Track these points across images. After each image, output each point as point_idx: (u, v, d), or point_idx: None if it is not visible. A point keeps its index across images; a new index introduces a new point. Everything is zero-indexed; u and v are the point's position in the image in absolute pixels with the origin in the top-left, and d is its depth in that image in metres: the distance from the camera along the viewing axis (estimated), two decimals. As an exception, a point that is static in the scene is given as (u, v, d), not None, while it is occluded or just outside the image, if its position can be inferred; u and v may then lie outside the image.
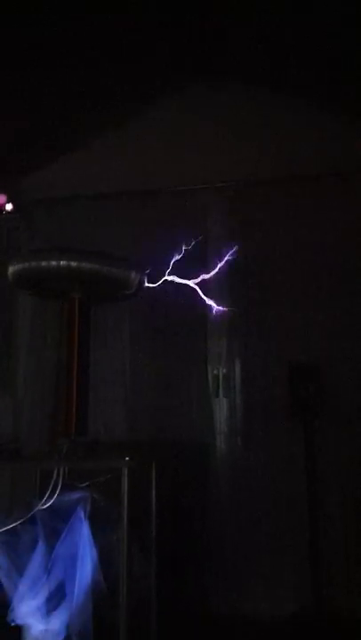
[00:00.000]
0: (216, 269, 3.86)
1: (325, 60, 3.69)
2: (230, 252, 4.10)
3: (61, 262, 2.47)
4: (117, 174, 4.21)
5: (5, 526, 2.33)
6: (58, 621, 2.31)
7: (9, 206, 4.49)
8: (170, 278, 2.80)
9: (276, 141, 4.08)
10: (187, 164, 4.14)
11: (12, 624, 2.35)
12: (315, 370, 3.70)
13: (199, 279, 2.96)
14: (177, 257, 2.89)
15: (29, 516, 2.36)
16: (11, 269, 2.60)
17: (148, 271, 2.75)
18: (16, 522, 2.35)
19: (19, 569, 2.35)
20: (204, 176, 4.22)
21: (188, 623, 3.24)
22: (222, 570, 3.80)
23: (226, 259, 4.16)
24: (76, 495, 2.42)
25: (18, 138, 4.31)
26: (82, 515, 2.38)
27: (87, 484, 2.45)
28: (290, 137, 4.07)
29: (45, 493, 2.37)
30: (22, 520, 2.35)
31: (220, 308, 3.12)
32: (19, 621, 2.35)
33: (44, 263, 2.51)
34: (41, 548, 2.36)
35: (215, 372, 4.14)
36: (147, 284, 2.75)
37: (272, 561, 3.76)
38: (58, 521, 2.39)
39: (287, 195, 4.13)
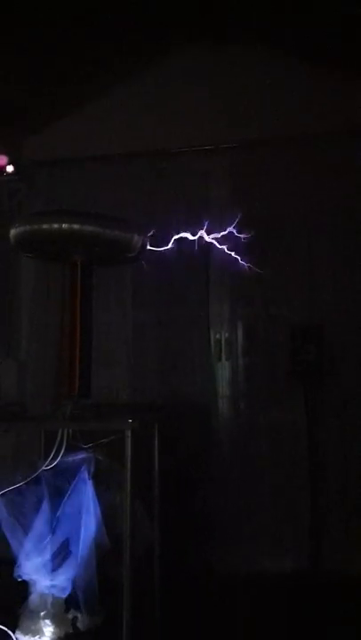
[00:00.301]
0: (218, 233, 3.85)
1: (326, 16, 3.61)
2: (233, 216, 4.09)
3: (63, 225, 2.45)
4: (119, 136, 4.15)
5: (11, 486, 2.37)
6: (63, 577, 2.37)
7: (10, 168, 4.45)
8: (173, 239, 2.78)
9: (276, 102, 4.02)
10: (189, 126, 4.07)
11: (19, 579, 2.41)
12: (317, 333, 3.71)
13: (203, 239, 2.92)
14: (179, 219, 2.87)
15: (34, 476, 2.40)
16: (12, 232, 2.58)
17: (150, 234, 2.73)
18: (21, 482, 2.38)
19: (24, 527, 2.40)
20: (205, 137, 4.17)
21: (190, 581, 3.32)
22: (224, 529, 3.87)
23: (228, 222, 4.15)
24: (80, 456, 2.45)
25: (18, 99, 4.25)
26: (86, 475, 2.42)
27: (91, 445, 2.48)
28: (290, 97, 4.01)
29: (50, 454, 2.40)
30: (27, 480, 2.39)
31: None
32: (25, 577, 2.42)
33: (45, 226, 2.49)
34: (46, 507, 2.41)
35: (217, 336, 4.15)
36: (149, 247, 2.73)
37: (273, 521, 3.83)
38: (62, 481, 2.43)
39: (290, 155, 4.07)
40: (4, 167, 4.45)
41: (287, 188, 4.07)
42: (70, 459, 2.44)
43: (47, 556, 2.38)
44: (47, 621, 2.37)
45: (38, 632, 2.36)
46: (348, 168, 3.96)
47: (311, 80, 3.98)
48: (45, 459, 2.41)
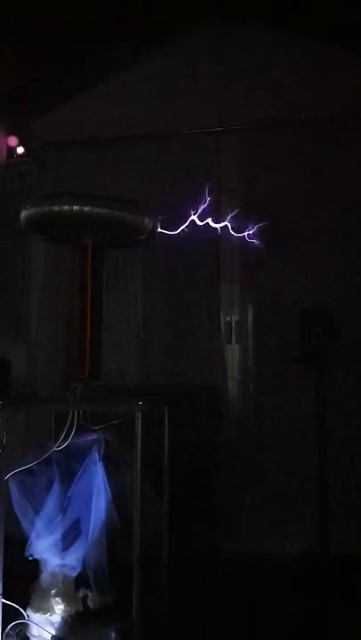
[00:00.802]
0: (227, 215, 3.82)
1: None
2: (242, 199, 4.07)
3: (74, 207, 2.44)
4: (128, 117, 4.13)
5: (22, 467, 2.39)
6: (73, 557, 2.39)
7: (20, 150, 4.43)
8: (183, 222, 2.77)
9: (288, 84, 3.99)
10: (198, 107, 4.05)
11: (30, 558, 2.44)
12: (327, 316, 3.70)
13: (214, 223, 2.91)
14: (190, 202, 2.85)
15: (45, 457, 2.42)
16: (23, 214, 2.57)
17: (161, 217, 2.72)
18: (32, 463, 2.40)
19: (35, 507, 2.42)
20: (214, 119, 4.13)
21: (198, 562, 3.35)
22: (232, 511, 3.90)
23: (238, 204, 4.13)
24: (90, 437, 2.46)
25: (29, 80, 4.23)
26: (96, 456, 2.43)
27: (101, 426, 2.50)
28: (303, 79, 3.98)
29: (60, 435, 2.42)
30: (38, 461, 2.41)
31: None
32: (36, 556, 2.44)
33: (56, 208, 2.48)
34: (56, 487, 2.43)
35: (228, 318, 4.14)
36: (160, 230, 2.72)
37: (281, 503, 3.85)
38: (73, 462, 2.45)
39: (300, 138, 4.05)
40: (15, 149, 4.44)
41: (297, 170, 4.05)
42: (81, 440, 2.45)
43: (58, 535, 2.40)
44: (58, 599, 2.40)
45: (49, 609, 2.39)
46: (357, 152, 3.93)
47: (324, 63, 3.94)
48: (56, 440, 2.43)
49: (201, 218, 2.85)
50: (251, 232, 4.14)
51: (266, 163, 4.10)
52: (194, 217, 2.77)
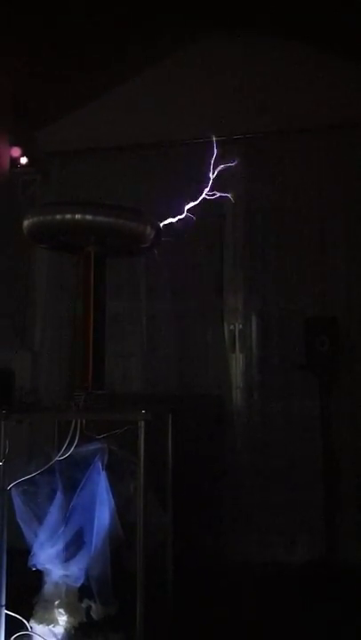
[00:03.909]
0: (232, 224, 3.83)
1: (341, 8, 3.57)
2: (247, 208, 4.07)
3: (77, 216, 2.44)
4: (132, 127, 4.14)
5: (25, 476, 2.38)
6: (76, 567, 2.38)
7: (24, 160, 4.45)
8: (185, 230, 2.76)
9: (289, 93, 3.99)
10: (201, 117, 4.05)
11: (33, 569, 2.43)
12: (331, 324, 3.69)
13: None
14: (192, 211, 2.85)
15: (48, 466, 2.41)
16: (26, 223, 2.57)
17: (164, 225, 2.71)
18: (35, 472, 2.39)
19: (38, 517, 2.41)
20: (218, 128, 4.14)
21: (203, 571, 3.32)
22: (237, 519, 3.88)
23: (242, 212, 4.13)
24: (93, 446, 2.45)
25: (32, 91, 4.25)
26: (99, 466, 2.42)
27: (105, 435, 2.49)
28: (304, 89, 3.98)
29: (63, 445, 2.41)
30: (41, 470, 2.40)
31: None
32: (39, 566, 2.43)
33: (58, 217, 2.48)
34: (60, 497, 2.41)
35: (231, 327, 4.14)
36: (163, 238, 2.72)
37: (287, 511, 3.83)
38: (76, 471, 2.43)
39: (302, 146, 4.06)
40: (18, 159, 4.46)
41: (301, 178, 4.05)
42: (84, 449, 2.44)
43: (61, 545, 2.39)
44: (61, 610, 2.38)
45: (52, 621, 2.37)
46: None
47: (326, 70, 3.95)
48: (59, 449, 2.42)
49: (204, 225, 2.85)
50: (253, 240, 4.15)
51: (268, 171, 4.10)
52: (195, 225, 2.76)
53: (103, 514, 2.38)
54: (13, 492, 2.37)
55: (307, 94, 3.97)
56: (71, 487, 2.42)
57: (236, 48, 4.07)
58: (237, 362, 4.12)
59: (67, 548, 2.39)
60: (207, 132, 4.13)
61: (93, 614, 2.38)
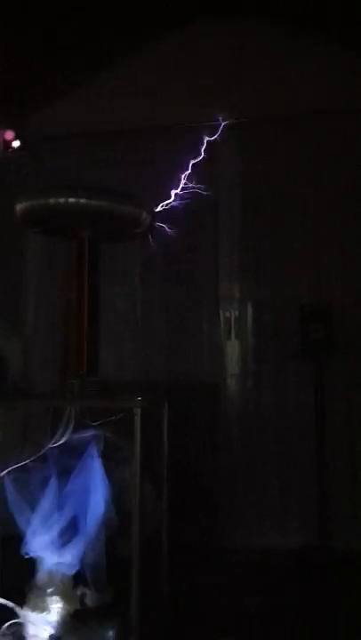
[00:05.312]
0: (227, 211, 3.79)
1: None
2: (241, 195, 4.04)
3: (70, 199, 2.40)
4: (126, 111, 4.10)
5: (18, 463, 2.36)
6: (71, 555, 2.36)
7: (16, 143, 4.39)
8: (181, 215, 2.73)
9: (286, 77, 3.96)
10: (195, 101, 4.01)
11: (27, 556, 2.41)
12: (326, 312, 3.68)
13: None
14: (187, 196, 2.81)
15: (41, 453, 2.38)
16: (19, 207, 2.53)
17: (158, 210, 2.68)
18: (28, 459, 2.37)
19: (32, 505, 2.39)
20: (212, 113, 4.09)
21: (198, 557, 3.32)
22: (232, 507, 3.88)
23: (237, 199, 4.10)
24: (88, 434, 2.43)
25: (25, 74, 4.19)
26: (94, 453, 2.40)
27: (99, 422, 2.46)
28: (301, 73, 3.96)
29: (57, 432, 2.39)
30: (34, 458, 2.37)
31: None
32: (33, 554, 2.41)
33: (52, 200, 2.44)
34: (53, 484, 2.39)
35: (227, 314, 4.12)
36: (158, 224, 2.68)
37: (281, 497, 3.84)
38: (70, 459, 2.41)
39: (298, 132, 4.03)
40: (11, 142, 4.40)
41: (296, 166, 4.02)
42: (78, 436, 2.42)
43: (55, 533, 2.37)
44: (55, 598, 2.36)
45: (46, 608, 2.36)
46: (357, 147, 3.90)
47: (321, 57, 3.92)
48: (53, 436, 2.40)
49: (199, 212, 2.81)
50: (249, 226, 4.12)
51: (263, 158, 4.07)
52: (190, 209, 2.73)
53: (97, 501, 2.36)
54: (6, 480, 2.35)
55: (302, 80, 3.93)
56: (65, 474, 2.40)
57: (228, 33, 4.02)
58: (232, 349, 4.10)
59: (61, 535, 2.38)
60: (202, 118, 4.11)
61: (88, 601, 2.37)
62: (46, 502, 2.37)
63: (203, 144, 4.15)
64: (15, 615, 2.38)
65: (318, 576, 3.29)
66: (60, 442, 2.38)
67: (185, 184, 2.77)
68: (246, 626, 2.74)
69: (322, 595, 3.04)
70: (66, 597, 2.37)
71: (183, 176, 2.82)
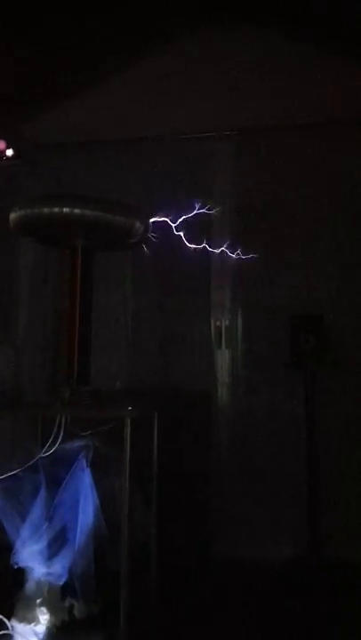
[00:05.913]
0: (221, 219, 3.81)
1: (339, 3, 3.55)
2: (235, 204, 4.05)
3: (64, 209, 2.41)
4: (121, 120, 4.11)
5: (8, 473, 2.35)
6: (59, 565, 2.35)
7: (9, 152, 4.39)
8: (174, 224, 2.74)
9: (284, 88, 3.98)
10: (192, 111, 4.03)
11: (15, 567, 2.40)
12: (317, 321, 3.69)
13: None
14: (183, 205, 2.82)
15: (31, 463, 2.37)
16: (12, 216, 2.54)
17: (152, 220, 2.68)
18: (18, 469, 2.36)
19: (21, 514, 2.38)
20: (210, 123, 4.12)
21: (187, 567, 3.31)
22: (222, 516, 3.87)
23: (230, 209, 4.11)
24: (78, 443, 2.42)
25: (18, 83, 4.19)
26: (84, 462, 2.39)
27: (89, 432, 2.46)
28: (298, 84, 3.97)
29: (47, 441, 2.38)
30: (24, 467, 2.36)
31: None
32: (21, 564, 2.40)
33: (45, 210, 2.45)
34: (43, 494, 2.38)
35: (218, 323, 4.12)
36: (151, 234, 2.69)
37: (271, 507, 3.83)
38: (60, 468, 2.41)
39: (294, 143, 4.05)
40: (4, 151, 4.39)
41: (289, 175, 4.04)
42: (68, 446, 2.41)
43: (44, 543, 2.36)
44: (43, 609, 2.36)
45: (34, 619, 2.34)
46: (351, 158, 3.93)
47: (318, 67, 3.94)
48: (43, 446, 2.39)
49: (192, 222, 2.83)
50: (241, 235, 4.13)
51: (258, 167, 4.09)
52: (184, 218, 2.74)
53: (87, 511, 2.36)
54: (-4, 489, 2.34)
55: (301, 90, 3.95)
56: (55, 484, 2.39)
57: (230, 43, 4.04)
58: (223, 358, 4.10)
59: (50, 545, 2.37)
60: (199, 126, 4.13)
61: (76, 613, 2.36)
62: (36, 512, 2.36)
63: (197, 153, 4.21)
64: (3, 626, 2.36)
65: (309, 586, 3.28)
66: (50, 451, 2.37)
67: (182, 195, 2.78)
68: (237, 636, 2.73)
69: (313, 604, 3.03)
70: (54, 608, 2.36)
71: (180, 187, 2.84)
